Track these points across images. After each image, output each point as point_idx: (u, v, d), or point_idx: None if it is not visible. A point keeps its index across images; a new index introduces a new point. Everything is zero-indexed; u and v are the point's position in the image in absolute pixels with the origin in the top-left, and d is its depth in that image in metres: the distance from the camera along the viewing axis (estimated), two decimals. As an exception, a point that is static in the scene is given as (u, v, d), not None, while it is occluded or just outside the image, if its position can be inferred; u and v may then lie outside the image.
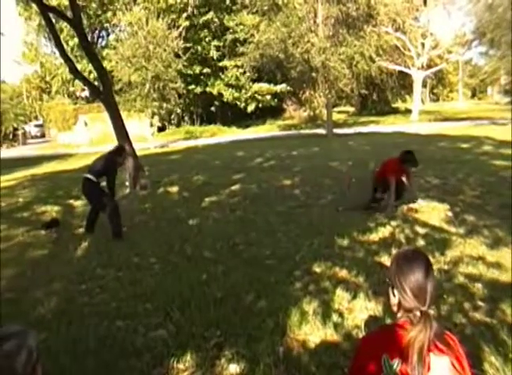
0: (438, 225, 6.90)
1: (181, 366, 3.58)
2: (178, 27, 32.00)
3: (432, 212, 7.66)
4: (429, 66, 39.84)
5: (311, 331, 3.96)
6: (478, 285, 4.64)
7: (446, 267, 5.17)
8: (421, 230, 6.66)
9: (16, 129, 42.14)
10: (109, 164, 7.61)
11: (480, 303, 4.28)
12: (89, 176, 7.56)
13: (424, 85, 49.16)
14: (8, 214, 9.82)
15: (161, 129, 38.77)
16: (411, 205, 8.05)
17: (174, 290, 4.98)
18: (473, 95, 78.02)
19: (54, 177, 15.96)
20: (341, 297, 4.54)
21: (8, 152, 33.69)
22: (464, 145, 16.76)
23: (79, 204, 10.36)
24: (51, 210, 9.91)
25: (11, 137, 41.58)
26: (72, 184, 13.20)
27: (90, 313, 4.58)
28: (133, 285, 5.27)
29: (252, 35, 30.25)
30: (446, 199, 8.39)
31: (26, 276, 5.91)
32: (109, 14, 38.37)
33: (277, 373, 3.39)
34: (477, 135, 19.91)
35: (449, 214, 7.44)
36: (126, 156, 8.15)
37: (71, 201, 10.73)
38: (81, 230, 8.07)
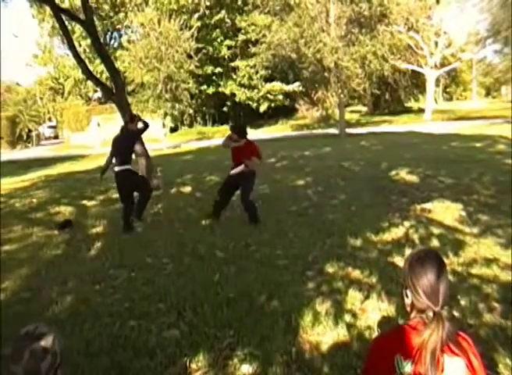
0: (451, 225, 6.85)
1: (194, 365, 3.58)
2: (190, 28, 32.08)
3: (445, 211, 7.61)
4: (442, 65, 39.58)
5: (323, 332, 3.95)
6: (493, 286, 4.60)
7: (459, 268, 5.13)
8: (434, 230, 6.61)
9: (30, 130, 42.49)
10: (130, 142, 7.98)
11: (494, 304, 4.24)
12: (122, 167, 7.70)
13: (437, 84, 48.84)
14: (22, 214, 9.91)
15: (173, 129, 38.88)
16: (424, 205, 8.01)
17: (187, 290, 5.00)
18: (487, 94, 77.19)
19: (67, 178, 16.08)
20: (354, 297, 4.53)
21: (22, 153, 34.00)
22: (478, 144, 16.64)
23: (92, 204, 10.44)
24: (65, 211, 9.98)
25: (25, 138, 41.91)
26: (86, 185, 13.32)
27: (103, 313, 4.60)
28: (145, 285, 5.29)
29: (264, 35, 30.20)
30: (459, 199, 8.34)
31: (41, 275, 5.96)
32: (121, 15, 38.58)
33: (289, 374, 3.39)
34: (491, 134, 19.75)
35: (463, 214, 7.38)
36: (138, 120, 8.29)
37: (84, 201, 10.81)
38: (94, 230, 8.13)
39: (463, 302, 4.27)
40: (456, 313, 4.07)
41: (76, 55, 12.52)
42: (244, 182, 7.82)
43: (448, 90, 69.97)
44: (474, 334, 3.55)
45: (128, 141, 7.97)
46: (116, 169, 7.75)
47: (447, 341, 1.81)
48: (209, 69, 37.50)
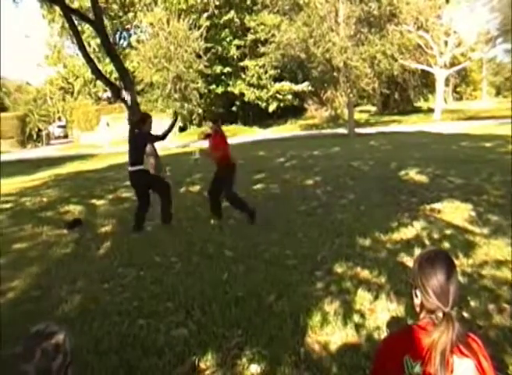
0: (461, 225, 6.81)
1: (202, 365, 3.59)
2: (199, 28, 32.15)
3: (455, 212, 7.56)
4: (452, 65, 39.42)
5: (332, 332, 3.94)
6: (503, 288, 4.57)
7: (469, 269, 5.10)
8: (444, 231, 6.57)
9: (39, 130, 42.75)
10: (142, 142, 7.85)
11: (505, 305, 4.21)
12: (135, 168, 7.65)
13: (447, 84, 48.65)
14: (33, 213, 9.96)
15: (182, 129, 38.97)
16: (434, 206, 7.97)
17: (195, 289, 5.00)
18: (497, 93, 76.73)
19: (77, 177, 16.15)
20: (362, 297, 4.51)
21: (32, 152, 34.19)
22: (488, 144, 16.53)
23: (101, 203, 10.47)
24: (74, 210, 10.02)
25: (35, 137, 42.16)
26: (95, 184, 13.37)
27: (112, 312, 4.61)
28: (154, 284, 5.30)
29: (273, 35, 30.22)
30: (469, 199, 8.28)
31: (50, 274, 5.99)
32: (130, 15, 38.75)
33: (298, 374, 3.39)
34: (501, 134, 19.61)
35: (473, 214, 7.34)
36: (151, 121, 8.04)
37: (94, 200, 10.84)
38: (103, 229, 8.15)
39: (473, 303, 4.25)
40: (465, 314, 4.05)
41: (86, 55, 12.57)
42: (222, 179, 7.83)
43: (458, 89, 69.64)
44: (484, 336, 3.53)
45: (140, 141, 7.84)
46: (129, 169, 7.72)
47: (457, 342, 1.80)
48: (218, 68, 37.55)
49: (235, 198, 7.86)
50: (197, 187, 11.62)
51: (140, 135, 7.86)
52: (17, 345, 1.76)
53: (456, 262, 4.98)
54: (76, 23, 13.23)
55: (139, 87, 30.67)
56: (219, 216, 8.08)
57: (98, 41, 23.08)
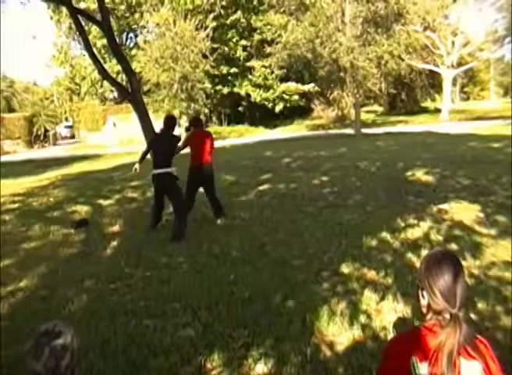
0: (469, 226, 6.78)
1: (209, 365, 3.59)
2: (205, 28, 32.19)
3: (462, 212, 7.53)
4: (459, 64, 39.28)
5: (338, 332, 3.94)
6: (511, 289, 4.55)
7: (477, 270, 5.08)
8: (451, 231, 6.56)
9: (46, 130, 42.84)
10: (172, 146, 7.67)
11: (512, 307, 4.19)
12: (165, 170, 7.41)
13: (454, 84, 48.44)
14: (40, 213, 9.99)
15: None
16: (441, 206, 7.94)
17: (202, 289, 5.01)
18: (505, 94, 76.23)
19: (84, 177, 16.17)
20: (369, 298, 4.51)
21: (39, 153, 34.30)
22: (496, 145, 16.45)
23: (108, 204, 10.49)
24: (81, 210, 10.04)
25: (42, 138, 42.26)
26: (102, 184, 13.38)
27: (118, 312, 4.63)
28: (161, 284, 5.31)
29: (280, 35, 30.23)
30: (477, 200, 8.25)
31: (58, 274, 6.01)
32: (137, 16, 38.82)
33: (304, 374, 3.38)
34: (509, 134, 19.49)
35: (481, 215, 7.31)
36: (176, 123, 8.05)
37: (100, 200, 10.86)
38: (110, 229, 8.17)
39: (480, 305, 4.23)
40: (473, 316, 4.03)
41: (92, 55, 12.59)
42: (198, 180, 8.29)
43: (465, 89, 69.39)
44: (492, 337, 3.51)
45: (169, 145, 7.63)
46: (155, 171, 7.44)
47: (464, 344, 1.79)
48: (225, 69, 37.61)
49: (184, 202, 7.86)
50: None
51: (170, 137, 7.71)
52: (25, 344, 1.77)
53: (464, 263, 4.96)
54: (82, 23, 13.26)
55: (145, 88, 30.74)
56: (224, 215, 8.08)
57: (105, 41, 23.20)
